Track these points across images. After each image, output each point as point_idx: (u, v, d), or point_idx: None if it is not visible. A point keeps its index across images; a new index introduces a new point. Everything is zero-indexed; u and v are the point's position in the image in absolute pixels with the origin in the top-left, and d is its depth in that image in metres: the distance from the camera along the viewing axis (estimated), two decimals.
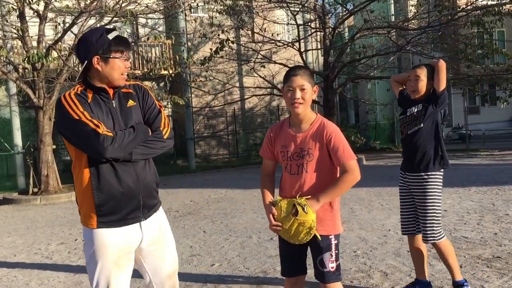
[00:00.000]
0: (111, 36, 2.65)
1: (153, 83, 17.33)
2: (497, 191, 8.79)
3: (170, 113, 19.17)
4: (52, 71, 12.79)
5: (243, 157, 19.54)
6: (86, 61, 2.64)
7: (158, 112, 2.81)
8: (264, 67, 17.90)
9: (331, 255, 2.89)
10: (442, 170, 3.95)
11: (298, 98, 2.85)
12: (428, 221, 3.88)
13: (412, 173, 3.99)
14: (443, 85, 3.90)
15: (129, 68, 2.73)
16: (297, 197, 2.82)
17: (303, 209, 2.76)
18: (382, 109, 21.74)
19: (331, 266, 2.89)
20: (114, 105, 2.69)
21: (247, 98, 19.67)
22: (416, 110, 4.00)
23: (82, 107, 2.56)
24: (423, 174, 3.91)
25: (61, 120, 2.61)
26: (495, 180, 10.16)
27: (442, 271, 4.61)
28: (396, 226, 6.53)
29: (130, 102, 2.75)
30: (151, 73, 13.41)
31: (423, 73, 3.95)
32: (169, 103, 14.18)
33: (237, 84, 19.99)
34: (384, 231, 6.32)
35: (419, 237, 4.03)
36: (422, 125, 3.94)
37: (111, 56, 2.63)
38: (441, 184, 3.95)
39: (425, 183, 3.90)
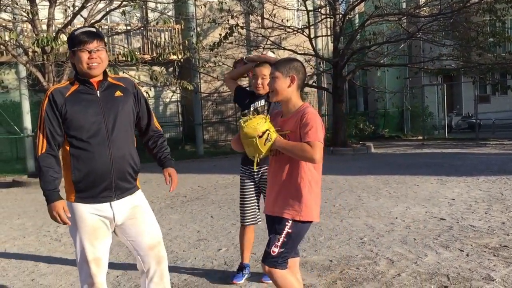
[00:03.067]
0: (78, 31, 2.89)
1: (162, 68, 17.31)
2: (506, 181, 8.75)
3: (179, 98, 19.20)
4: (61, 55, 12.78)
5: None
6: (69, 59, 3.03)
7: (148, 114, 3.22)
8: (273, 53, 17.77)
9: (278, 239, 2.94)
10: None
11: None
12: None
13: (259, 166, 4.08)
14: None
15: (95, 59, 2.87)
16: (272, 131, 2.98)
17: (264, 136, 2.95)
18: (392, 97, 21.62)
19: (273, 249, 2.95)
20: (98, 94, 2.95)
21: None
22: (260, 105, 4.15)
23: (44, 115, 2.89)
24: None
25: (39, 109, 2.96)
26: (504, 170, 10.11)
27: (448, 259, 4.62)
28: (404, 214, 6.53)
29: (118, 93, 3.00)
30: (160, 58, 13.39)
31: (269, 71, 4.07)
32: (177, 88, 14.17)
33: None
34: (391, 218, 6.33)
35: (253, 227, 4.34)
36: None
37: (75, 49, 2.87)
38: None
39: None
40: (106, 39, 3.23)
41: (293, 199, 2.96)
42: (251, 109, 4.19)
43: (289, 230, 2.94)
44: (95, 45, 2.86)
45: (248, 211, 4.28)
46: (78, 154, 2.90)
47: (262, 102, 4.19)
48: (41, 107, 2.92)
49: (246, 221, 4.28)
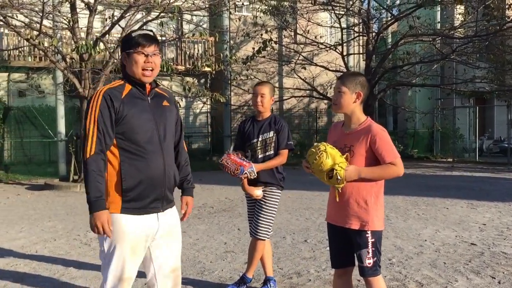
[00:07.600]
0: (135, 34, 2.79)
1: (194, 79, 17.53)
2: None
3: (209, 109, 19.39)
4: (98, 63, 13.10)
5: None
6: (121, 58, 2.86)
7: (181, 132, 3.09)
8: (305, 68, 17.89)
9: (368, 252, 3.05)
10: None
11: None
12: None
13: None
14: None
15: (151, 64, 2.77)
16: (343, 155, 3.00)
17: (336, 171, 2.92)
18: (422, 117, 21.41)
19: (367, 262, 3.06)
20: (149, 100, 2.85)
21: (286, 99, 19.69)
22: (268, 136, 4.29)
23: (97, 114, 2.68)
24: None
25: (86, 113, 2.77)
26: None
27: (479, 285, 4.54)
28: (433, 237, 6.45)
29: (165, 103, 2.93)
30: (194, 69, 13.59)
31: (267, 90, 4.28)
32: (209, 99, 14.33)
33: (277, 85, 20.01)
34: (420, 241, 6.25)
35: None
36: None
37: (131, 51, 2.76)
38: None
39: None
40: None
41: (360, 210, 3.05)
42: (260, 139, 4.29)
43: (373, 240, 3.06)
44: (152, 49, 2.76)
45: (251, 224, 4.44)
46: (132, 160, 2.72)
47: (271, 134, 4.29)
48: (92, 106, 2.69)
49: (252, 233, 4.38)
